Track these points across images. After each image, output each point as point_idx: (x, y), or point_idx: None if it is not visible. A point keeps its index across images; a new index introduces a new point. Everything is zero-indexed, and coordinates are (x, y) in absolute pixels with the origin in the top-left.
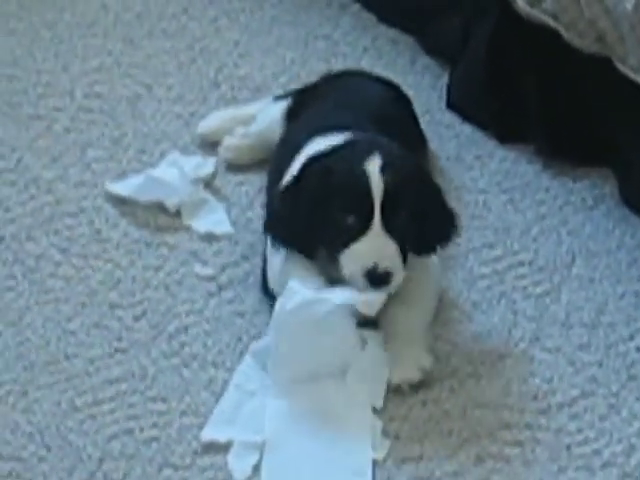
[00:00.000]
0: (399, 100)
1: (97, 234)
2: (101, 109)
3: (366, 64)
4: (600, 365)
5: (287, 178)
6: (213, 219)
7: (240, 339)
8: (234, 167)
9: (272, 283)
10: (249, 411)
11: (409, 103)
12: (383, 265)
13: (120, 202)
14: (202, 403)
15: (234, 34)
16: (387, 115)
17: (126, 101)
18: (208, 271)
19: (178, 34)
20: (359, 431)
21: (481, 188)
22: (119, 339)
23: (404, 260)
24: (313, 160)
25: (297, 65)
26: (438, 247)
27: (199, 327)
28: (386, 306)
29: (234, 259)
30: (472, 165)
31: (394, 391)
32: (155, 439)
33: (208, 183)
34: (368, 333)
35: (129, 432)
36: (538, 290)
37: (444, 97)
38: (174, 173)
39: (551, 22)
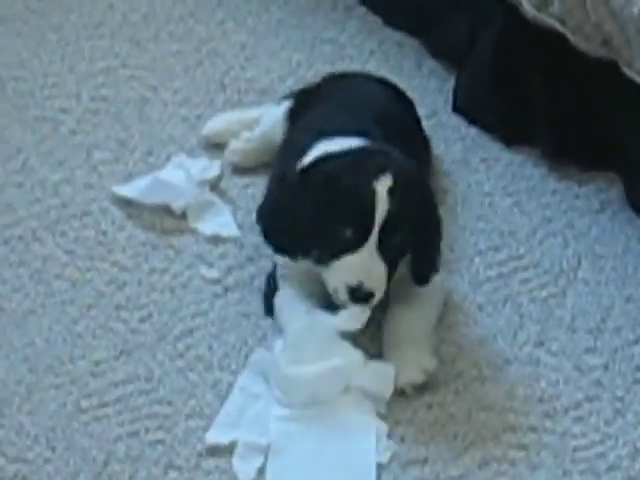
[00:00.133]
0: (402, 102)
1: (103, 236)
2: (107, 111)
3: (372, 67)
4: (605, 369)
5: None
6: (219, 221)
7: (246, 342)
8: (240, 169)
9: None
10: (254, 414)
11: (412, 105)
12: (368, 285)
13: (126, 204)
14: (207, 405)
15: (241, 37)
16: (390, 117)
17: (132, 103)
18: (214, 273)
19: (185, 37)
20: (363, 434)
21: (487, 191)
22: (124, 341)
23: (390, 279)
24: (323, 161)
25: (303, 68)
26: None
27: (204, 330)
28: (390, 309)
29: (240, 261)
30: (478, 168)
31: (399, 394)
32: (160, 441)
33: (214, 185)
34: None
35: (134, 434)
36: (544, 293)
37: (450, 100)
38: (180, 175)
39: (557, 26)
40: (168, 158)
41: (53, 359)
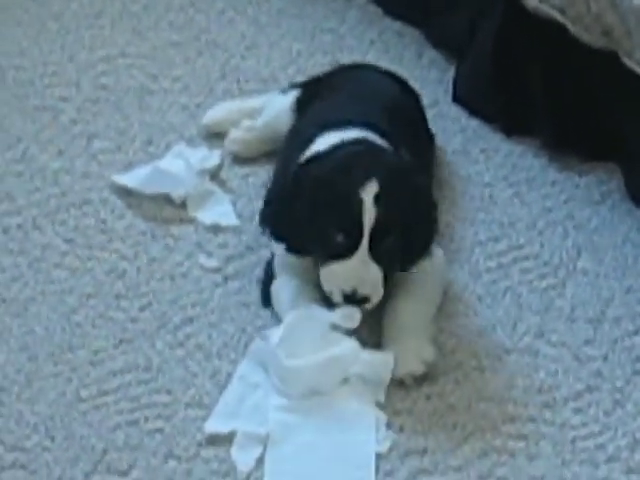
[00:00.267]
0: (410, 95)
1: (103, 225)
2: (107, 100)
3: (372, 57)
4: (605, 359)
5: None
6: (219, 211)
7: (245, 331)
8: (240, 159)
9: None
10: (253, 403)
11: (419, 99)
12: (362, 291)
13: (126, 193)
14: (206, 395)
15: (241, 26)
16: (399, 110)
17: (132, 92)
18: (213, 263)
19: (185, 26)
20: (362, 424)
21: (487, 182)
22: (124, 330)
23: (388, 281)
24: (314, 161)
25: (303, 58)
26: (417, 261)
27: (204, 319)
28: (390, 299)
29: (239, 251)
30: (478, 159)
31: (398, 384)
32: (159, 430)
33: (214, 175)
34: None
35: (133, 423)
36: (543, 284)
37: (450, 91)
38: (180, 165)
39: (558, 16)
40: (168, 147)
41: (52, 348)
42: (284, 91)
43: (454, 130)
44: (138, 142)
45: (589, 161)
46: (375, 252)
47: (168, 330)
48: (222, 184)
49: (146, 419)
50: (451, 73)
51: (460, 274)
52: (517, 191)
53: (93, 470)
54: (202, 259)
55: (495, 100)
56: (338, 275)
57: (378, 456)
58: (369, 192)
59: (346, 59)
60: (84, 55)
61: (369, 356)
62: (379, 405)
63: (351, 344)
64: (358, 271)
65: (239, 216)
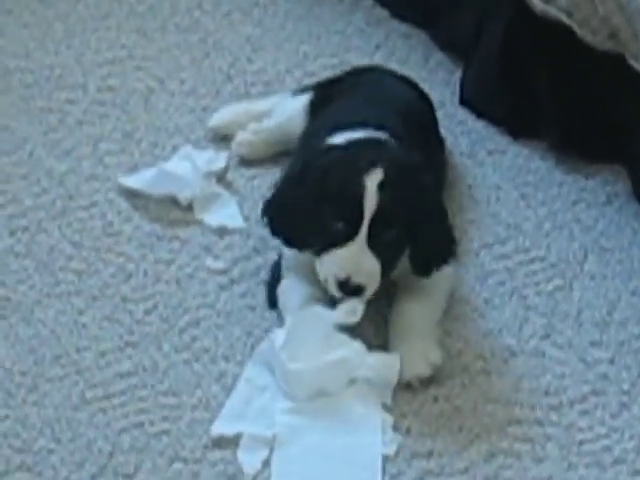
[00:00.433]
0: (423, 100)
1: (109, 227)
2: (114, 102)
3: (379, 59)
4: (611, 362)
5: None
6: (225, 213)
7: (251, 333)
8: (246, 161)
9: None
10: (259, 406)
11: (431, 103)
12: (356, 279)
13: (132, 195)
14: (213, 397)
15: (247, 28)
16: (413, 114)
17: (139, 94)
18: (220, 265)
19: (191, 28)
20: (369, 426)
21: (494, 184)
22: (130, 333)
23: (386, 274)
24: (319, 155)
25: (310, 60)
26: (434, 269)
27: (210, 321)
28: (396, 301)
29: (246, 253)
30: (485, 161)
31: (405, 387)
32: (165, 433)
33: (220, 177)
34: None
35: (139, 426)
36: (550, 286)
37: (457, 93)
38: (186, 167)
39: (565, 18)
40: (174, 149)
41: (59, 350)
42: (295, 93)
43: (461, 132)
44: (144, 144)
45: (596, 163)
46: (374, 242)
47: (174, 332)
48: (229, 186)
49: (152, 422)
50: (458, 75)
51: (466, 276)
52: (523, 193)
53: (99, 473)
54: (208, 261)
55: (502, 102)
56: (334, 262)
57: (385, 458)
58: (373, 179)
59: (353, 62)
60: (90, 57)
61: (376, 358)
62: (386, 407)
63: (356, 346)
64: (354, 259)
65: (245, 218)
